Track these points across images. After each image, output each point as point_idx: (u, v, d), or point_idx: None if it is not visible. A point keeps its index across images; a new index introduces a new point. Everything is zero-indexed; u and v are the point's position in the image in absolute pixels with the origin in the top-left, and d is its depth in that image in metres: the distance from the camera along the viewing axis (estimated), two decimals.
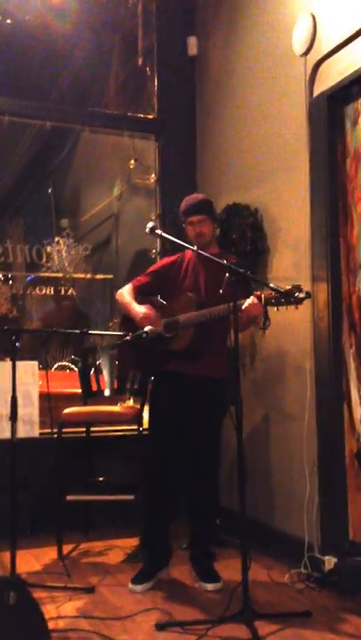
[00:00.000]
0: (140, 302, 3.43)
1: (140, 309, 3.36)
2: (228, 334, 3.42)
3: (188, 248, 3.26)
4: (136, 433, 3.82)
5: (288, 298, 2.89)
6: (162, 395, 3.44)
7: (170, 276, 3.51)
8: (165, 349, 3.32)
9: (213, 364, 3.33)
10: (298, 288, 2.89)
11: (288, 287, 2.91)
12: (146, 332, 3.21)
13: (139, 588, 3.24)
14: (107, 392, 4.28)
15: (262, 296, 2.96)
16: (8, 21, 4.88)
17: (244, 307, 2.99)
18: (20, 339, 3.15)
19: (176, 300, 3.39)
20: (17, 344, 3.09)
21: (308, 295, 2.93)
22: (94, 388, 4.31)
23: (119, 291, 3.57)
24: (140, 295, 3.49)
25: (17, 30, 4.89)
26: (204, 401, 3.33)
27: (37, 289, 4.98)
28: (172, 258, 3.60)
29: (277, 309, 2.97)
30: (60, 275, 4.93)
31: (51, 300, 5.13)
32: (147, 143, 5.08)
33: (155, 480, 3.41)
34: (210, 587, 3.25)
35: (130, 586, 3.26)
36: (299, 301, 2.89)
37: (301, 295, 2.88)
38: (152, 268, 3.64)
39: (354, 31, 3.18)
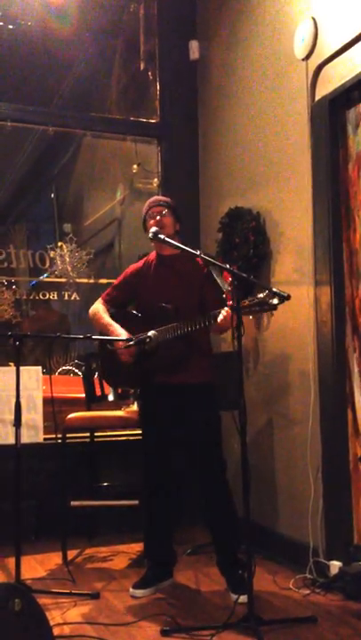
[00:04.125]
0: (115, 317, 3.41)
1: (121, 332, 3.32)
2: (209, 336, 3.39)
3: (191, 253, 3.09)
4: (140, 437, 3.80)
5: (262, 306, 2.78)
6: (152, 407, 3.42)
7: (139, 285, 3.44)
8: (150, 362, 3.26)
9: (201, 370, 3.28)
10: (272, 294, 2.74)
11: (261, 295, 2.77)
12: (149, 337, 3.18)
13: (138, 592, 3.23)
14: (110, 397, 4.27)
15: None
16: (10, 27, 4.89)
17: (219, 319, 2.95)
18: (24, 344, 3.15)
19: (152, 313, 3.29)
20: None
21: (287, 298, 2.74)
22: (98, 392, 4.30)
23: (92, 309, 3.51)
24: (114, 308, 3.47)
25: (19, 36, 4.90)
26: (198, 407, 3.27)
27: (41, 294, 4.99)
28: (138, 265, 3.52)
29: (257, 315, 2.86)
30: (64, 279, 4.93)
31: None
32: (149, 147, 5.09)
33: (153, 492, 3.39)
34: (241, 598, 2.90)
35: (130, 590, 3.26)
36: (273, 308, 2.78)
37: (275, 301, 2.74)
38: (119, 280, 3.57)
39: (355, 35, 3.19)
